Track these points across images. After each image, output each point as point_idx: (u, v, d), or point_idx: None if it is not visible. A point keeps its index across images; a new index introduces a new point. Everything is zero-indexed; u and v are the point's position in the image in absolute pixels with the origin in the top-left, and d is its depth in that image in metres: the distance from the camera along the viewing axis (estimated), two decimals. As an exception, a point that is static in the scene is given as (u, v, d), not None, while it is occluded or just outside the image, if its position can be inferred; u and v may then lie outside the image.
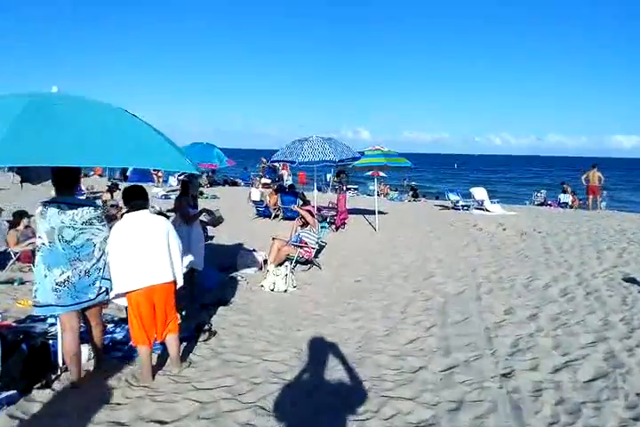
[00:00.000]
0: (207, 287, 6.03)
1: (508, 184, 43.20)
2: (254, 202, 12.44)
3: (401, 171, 14.39)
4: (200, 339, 4.44)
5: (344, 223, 11.35)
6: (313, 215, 7.89)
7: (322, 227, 7.73)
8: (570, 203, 18.62)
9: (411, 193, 23.76)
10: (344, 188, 23.98)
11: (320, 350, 4.31)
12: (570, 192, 19.28)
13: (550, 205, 19.25)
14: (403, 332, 4.84)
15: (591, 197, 17.29)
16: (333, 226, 11.00)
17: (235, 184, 24.50)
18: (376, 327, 4.95)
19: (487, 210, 15.51)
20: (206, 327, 4.69)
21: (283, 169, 20.81)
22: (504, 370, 3.96)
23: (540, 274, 7.16)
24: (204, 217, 5.66)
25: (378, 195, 24.26)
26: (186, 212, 5.36)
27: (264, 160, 21.64)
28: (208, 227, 9.30)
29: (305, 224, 7.71)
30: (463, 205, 16.05)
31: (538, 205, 19.80)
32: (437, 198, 22.75)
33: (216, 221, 5.53)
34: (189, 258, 5.37)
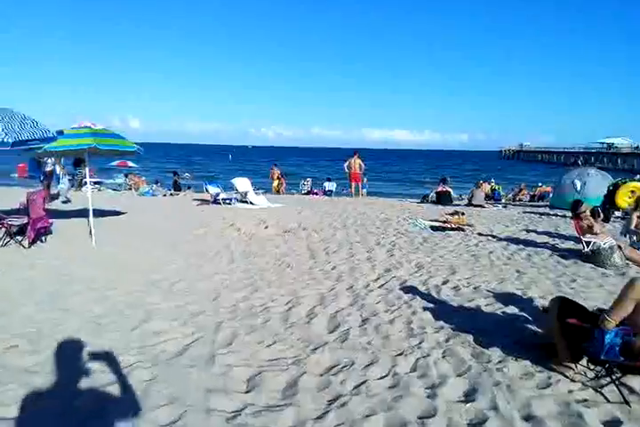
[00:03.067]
0: None
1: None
2: None
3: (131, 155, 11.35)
4: None
5: (45, 234, 7.87)
6: None
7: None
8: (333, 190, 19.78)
9: (172, 185, 20.87)
10: (85, 181, 19.59)
11: None
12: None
13: (316, 194, 18.89)
14: None
15: (353, 183, 17.46)
16: (25, 241, 7.43)
17: None
18: None
19: (252, 203, 13.67)
20: None
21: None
22: None
23: (302, 294, 5.23)
24: None
25: (130, 188, 20.62)
26: None
27: None
28: None
29: None
30: (224, 199, 13.87)
31: (305, 194, 19.19)
32: (207, 191, 20.28)
33: None
34: None
